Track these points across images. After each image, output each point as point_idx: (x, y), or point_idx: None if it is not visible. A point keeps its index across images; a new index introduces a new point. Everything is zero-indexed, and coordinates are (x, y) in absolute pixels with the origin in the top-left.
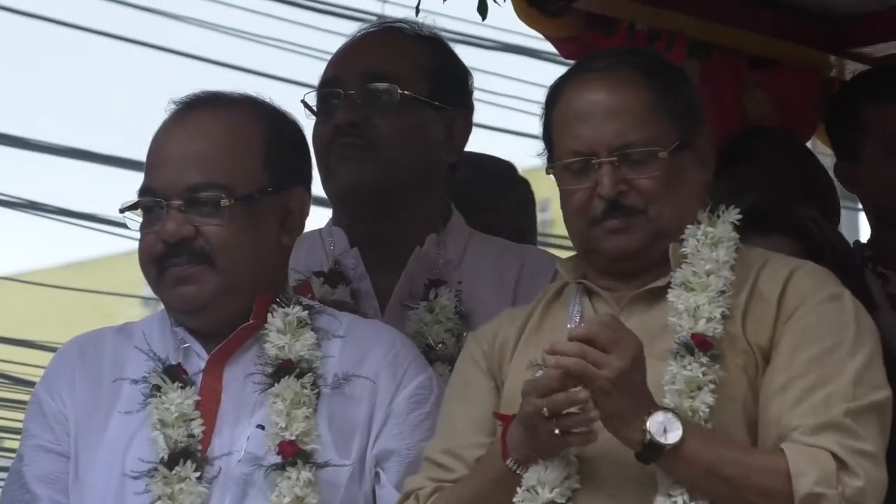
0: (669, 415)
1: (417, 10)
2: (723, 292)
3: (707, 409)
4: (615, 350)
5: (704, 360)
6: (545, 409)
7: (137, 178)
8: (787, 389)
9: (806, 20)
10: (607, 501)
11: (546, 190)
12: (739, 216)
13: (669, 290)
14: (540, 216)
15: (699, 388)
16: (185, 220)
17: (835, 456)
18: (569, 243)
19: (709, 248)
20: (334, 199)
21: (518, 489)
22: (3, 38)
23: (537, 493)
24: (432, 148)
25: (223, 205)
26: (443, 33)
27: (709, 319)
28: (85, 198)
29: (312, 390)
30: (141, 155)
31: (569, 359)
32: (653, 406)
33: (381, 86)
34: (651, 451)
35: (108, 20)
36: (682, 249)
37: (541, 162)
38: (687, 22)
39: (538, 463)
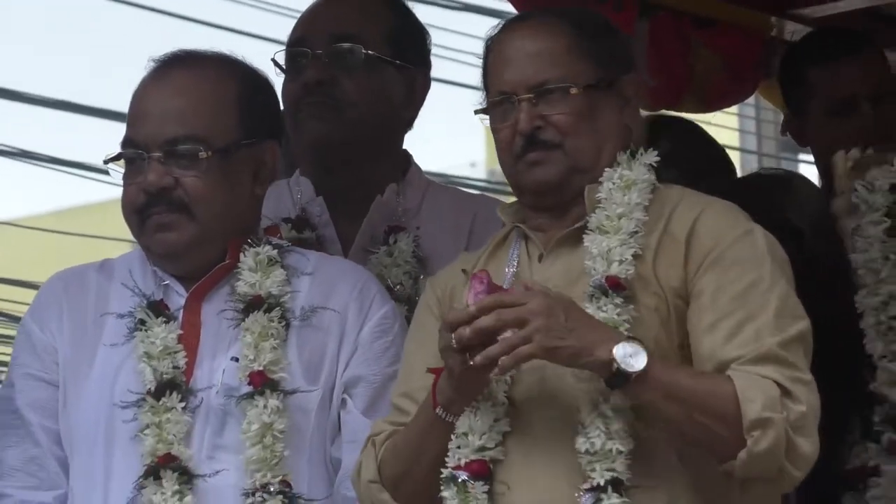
0: (634, 344)
1: None
2: (634, 233)
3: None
4: (526, 318)
5: (618, 300)
6: (454, 341)
7: (120, 128)
8: (716, 327)
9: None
10: (532, 443)
11: None
12: (657, 158)
13: (584, 234)
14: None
15: (615, 328)
16: (165, 172)
17: (778, 384)
18: None
19: (622, 191)
20: (302, 151)
21: (451, 436)
22: None
23: (468, 439)
24: (394, 105)
25: (201, 157)
26: None
27: (620, 262)
28: (74, 147)
29: (280, 323)
30: (124, 107)
31: (485, 318)
32: (615, 337)
33: (346, 46)
34: (619, 378)
35: None
36: (598, 194)
37: None
38: None
39: (468, 410)
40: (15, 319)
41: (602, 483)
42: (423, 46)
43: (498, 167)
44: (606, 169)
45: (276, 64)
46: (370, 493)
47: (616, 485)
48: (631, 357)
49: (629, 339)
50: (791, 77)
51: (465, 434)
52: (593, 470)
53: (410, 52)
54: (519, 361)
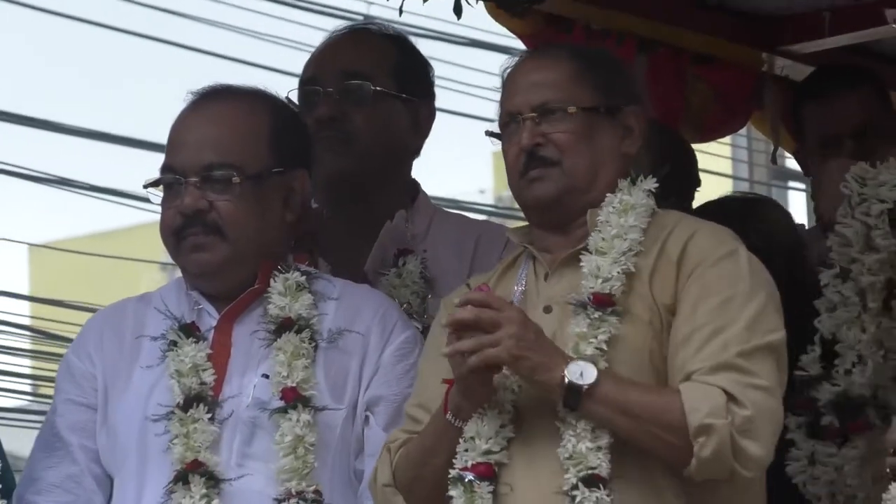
0: (585, 363)
1: (401, 11)
2: (627, 253)
3: (602, 357)
4: (501, 322)
5: (596, 316)
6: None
7: (152, 157)
8: (689, 339)
9: (741, 21)
10: (534, 448)
11: None
12: (656, 184)
13: (581, 255)
14: (508, 194)
15: (591, 340)
16: (201, 196)
17: (725, 391)
18: None
19: (619, 214)
20: (316, 181)
21: (460, 440)
22: (39, 37)
23: (475, 443)
24: (400, 136)
25: (234, 182)
26: (423, 31)
27: (605, 280)
28: (108, 175)
29: (310, 344)
30: (155, 137)
31: (462, 311)
32: (568, 358)
33: (356, 83)
34: (572, 394)
35: (128, 20)
36: (598, 217)
37: None
38: (635, 22)
39: (476, 416)
40: (52, 337)
41: (575, 481)
42: (427, 79)
43: (505, 193)
44: (608, 194)
45: (290, 101)
46: (385, 496)
47: (590, 481)
48: (581, 374)
49: (582, 360)
50: (794, 110)
51: (473, 438)
52: (567, 471)
53: (414, 85)
54: (486, 361)
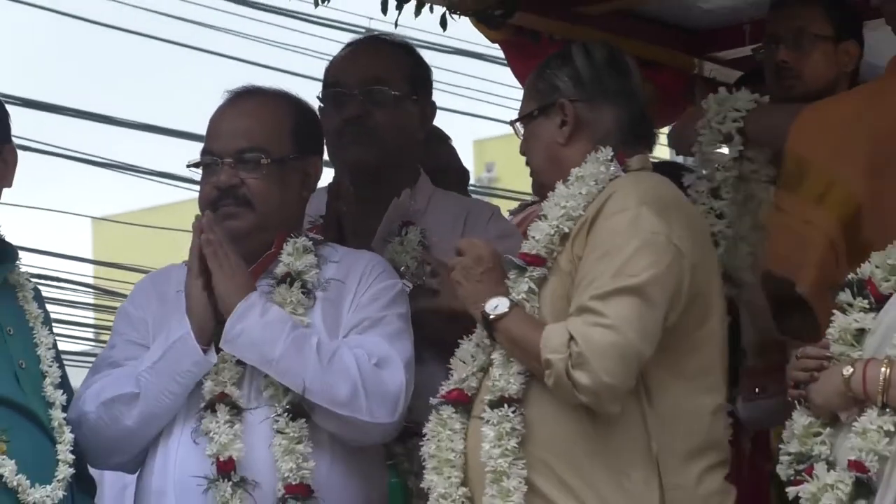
0: (502, 298)
1: (396, 24)
2: (560, 217)
3: (524, 300)
4: (467, 253)
5: (524, 267)
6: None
7: (190, 145)
8: (577, 287)
9: (677, 33)
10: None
11: (491, 154)
12: (609, 156)
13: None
14: (486, 175)
15: (516, 287)
16: (234, 174)
17: (568, 331)
18: (509, 195)
19: (568, 186)
20: (342, 168)
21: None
22: (104, 49)
23: (457, 367)
24: (412, 130)
25: (262, 163)
26: (413, 41)
27: (536, 241)
28: (155, 159)
29: (305, 293)
30: (192, 128)
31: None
32: (498, 293)
33: (377, 88)
34: (487, 324)
35: (171, 32)
36: (557, 187)
37: (487, 133)
38: (592, 33)
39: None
40: (110, 293)
41: (490, 399)
42: (430, 81)
43: (483, 174)
44: (573, 169)
45: (321, 100)
46: None
47: (496, 403)
48: (496, 308)
49: (506, 298)
50: None
51: (453, 370)
52: (488, 392)
53: (422, 87)
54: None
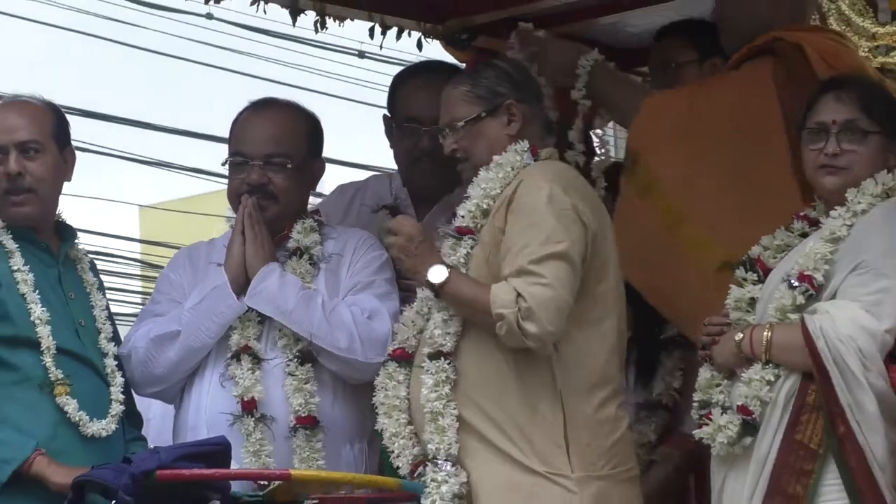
0: (441, 266)
1: (381, 46)
2: (481, 196)
3: (462, 263)
4: (399, 233)
5: (456, 241)
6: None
7: (213, 146)
8: (506, 253)
9: (608, 50)
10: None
11: None
12: (526, 148)
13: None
14: None
15: (453, 256)
16: (263, 174)
17: (515, 289)
18: None
19: (487, 171)
20: (406, 174)
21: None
22: (143, 67)
23: (399, 330)
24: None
25: (288, 167)
26: (394, 60)
27: (462, 217)
28: (188, 157)
29: (311, 264)
30: (216, 132)
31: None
32: (434, 262)
33: (414, 126)
34: (432, 289)
35: (202, 55)
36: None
37: None
38: None
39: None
40: (153, 266)
41: (429, 352)
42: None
43: None
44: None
45: (386, 118)
46: None
47: (434, 355)
48: (437, 275)
49: (444, 265)
50: None
51: (399, 325)
52: (427, 345)
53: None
54: (393, 256)
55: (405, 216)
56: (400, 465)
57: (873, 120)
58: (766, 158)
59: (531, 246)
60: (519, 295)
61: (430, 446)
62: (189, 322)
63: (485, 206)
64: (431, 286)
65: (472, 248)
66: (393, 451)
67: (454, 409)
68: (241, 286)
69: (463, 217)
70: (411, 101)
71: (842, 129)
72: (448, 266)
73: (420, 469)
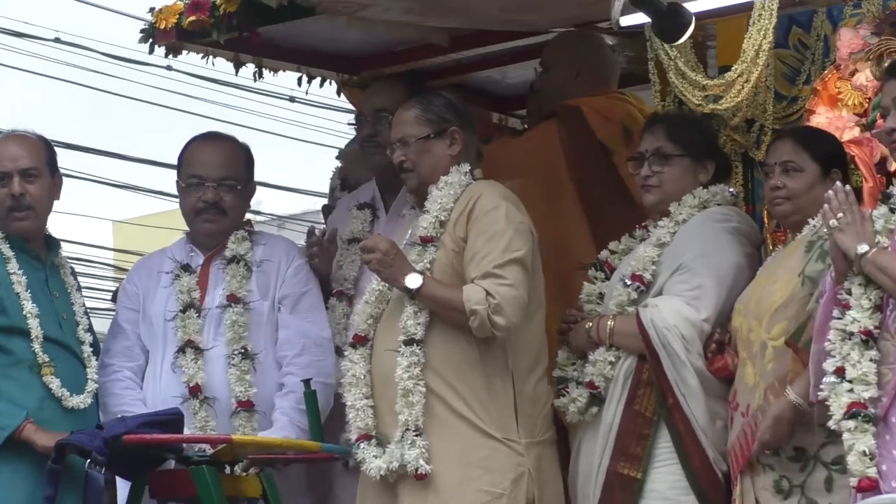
0: (415, 274)
1: (307, 92)
2: (436, 210)
3: (429, 267)
4: (376, 249)
5: (421, 248)
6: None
7: (172, 173)
8: (472, 259)
9: (484, 98)
10: (389, 324)
11: None
12: (468, 168)
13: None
14: None
15: (420, 262)
16: (217, 193)
17: (485, 289)
18: None
19: (439, 188)
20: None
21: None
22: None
23: (355, 320)
24: None
25: (237, 188)
26: (320, 104)
27: (424, 227)
28: (148, 180)
29: (245, 269)
30: (171, 159)
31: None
32: (409, 271)
33: (384, 114)
34: (409, 293)
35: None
36: (431, 191)
37: None
38: None
39: (361, 303)
40: (123, 269)
41: (403, 339)
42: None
43: None
44: (441, 176)
45: (350, 124)
46: None
47: (408, 342)
48: (413, 281)
49: (419, 273)
50: None
51: (355, 315)
52: (402, 333)
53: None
54: (372, 269)
55: (378, 235)
56: (352, 431)
57: (677, 145)
58: (560, 212)
59: (494, 253)
60: (488, 294)
61: (400, 417)
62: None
63: (442, 218)
64: (409, 291)
65: (434, 253)
66: (351, 417)
67: (423, 387)
68: None
69: (425, 228)
70: (365, 101)
71: (652, 155)
72: (421, 273)
73: (363, 442)
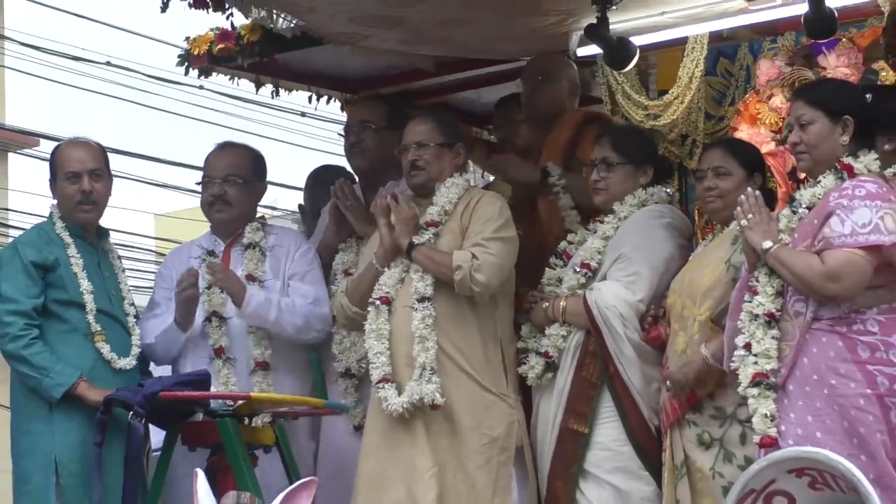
0: (418, 237)
1: (315, 108)
2: (443, 204)
3: (431, 243)
4: (397, 213)
5: (427, 230)
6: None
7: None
8: (468, 238)
9: (468, 115)
10: (407, 286)
11: None
12: (467, 177)
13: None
14: None
15: (423, 234)
16: (221, 188)
17: (471, 252)
18: None
19: (446, 188)
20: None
21: (379, 279)
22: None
23: (383, 283)
24: (387, 147)
25: (238, 182)
26: (328, 119)
27: (431, 214)
28: (187, 181)
29: (260, 254)
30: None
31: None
32: (411, 235)
33: (367, 124)
34: (410, 251)
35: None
36: (440, 189)
37: None
38: None
39: (387, 269)
40: (162, 254)
41: (412, 301)
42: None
43: None
44: (448, 178)
45: (340, 134)
46: (338, 298)
47: (420, 300)
48: (413, 244)
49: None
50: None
51: (384, 280)
52: (411, 296)
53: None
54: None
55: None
56: (374, 375)
57: (621, 155)
58: None
59: (485, 232)
60: (474, 256)
61: (417, 359)
62: (160, 341)
63: (448, 209)
64: (410, 246)
65: (435, 233)
66: (373, 364)
67: (435, 335)
68: (191, 322)
69: (431, 214)
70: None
71: (600, 163)
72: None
73: (384, 384)
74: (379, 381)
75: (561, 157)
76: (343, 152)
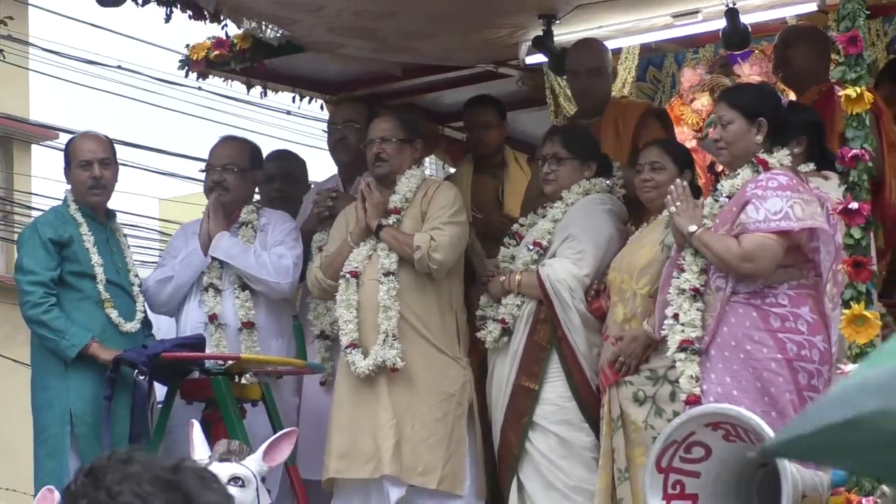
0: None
1: (299, 107)
2: (404, 192)
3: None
4: (369, 199)
5: (391, 217)
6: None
7: (200, 165)
8: (427, 222)
9: (434, 113)
10: (375, 262)
11: None
12: (426, 168)
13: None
14: None
15: (390, 217)
16: (220, 175)
17: (430, 235)
18: None
19: (406, 178)
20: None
21: (350, 255)
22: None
23: (353, 259)
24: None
25: (235, 170)
26: (311, 117)
27: (394, 202)
28: (188, 171)
29: (253, 231)
30: (202, 155)
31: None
32: (380, 218)
33: (351, 124)
34: (378, 231)
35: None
36: (401, 179)
37: None
38: None
39: (357, 245)
40: (166, 235)
41: (382, 272)
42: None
43: None
44: (407, 169)
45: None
46: (313, 271)
47: (386, 274)
48: (384, 222)
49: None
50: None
51: (353, 256)
52: (381, 268)
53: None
54: (359, 211)
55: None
56: (343, 341)
57: (569, 150)
58: None
59: (442, 217)
60: (432, 238)
61: (381, 326)
62: (178, 270)
63: (409, 197)
64: (378, 227)
65: (398, 219)
66: (343, 330)
67: (398, 305)
68: (206, 246)
69: (394, 202)
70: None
71: (550, 158)
72: (389, 224)
73: (351, 349)
74: (347, 346)
75: (625, 149)
76: (326, 146)
